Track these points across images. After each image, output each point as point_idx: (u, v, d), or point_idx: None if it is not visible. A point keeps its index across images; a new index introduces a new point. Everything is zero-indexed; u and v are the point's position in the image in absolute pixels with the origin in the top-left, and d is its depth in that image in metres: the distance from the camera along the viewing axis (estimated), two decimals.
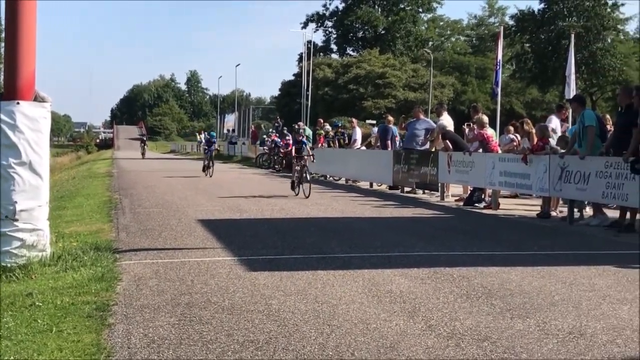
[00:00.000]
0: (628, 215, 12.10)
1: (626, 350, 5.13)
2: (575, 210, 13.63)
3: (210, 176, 26.75)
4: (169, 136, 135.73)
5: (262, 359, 4.81)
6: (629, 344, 5.28)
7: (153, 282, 7.30)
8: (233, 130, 63.87)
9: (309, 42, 52.00)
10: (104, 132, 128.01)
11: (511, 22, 64.24)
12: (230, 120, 71.81)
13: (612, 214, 13.03)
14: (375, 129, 26.37)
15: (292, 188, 18.66)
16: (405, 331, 5.57)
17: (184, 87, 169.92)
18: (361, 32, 74.10)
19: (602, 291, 7.12)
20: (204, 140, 39.50)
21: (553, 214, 14.35)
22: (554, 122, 16.74)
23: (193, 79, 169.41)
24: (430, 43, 79.94)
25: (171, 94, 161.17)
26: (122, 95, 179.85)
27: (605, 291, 7.12)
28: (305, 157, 18.78)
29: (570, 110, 17.20)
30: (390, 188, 21.63)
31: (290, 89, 63.50)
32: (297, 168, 18.77)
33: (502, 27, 32.89)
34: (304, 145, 19.25)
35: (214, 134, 32.05)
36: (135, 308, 6.22)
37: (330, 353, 4.97)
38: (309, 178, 18.46)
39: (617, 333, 5.58)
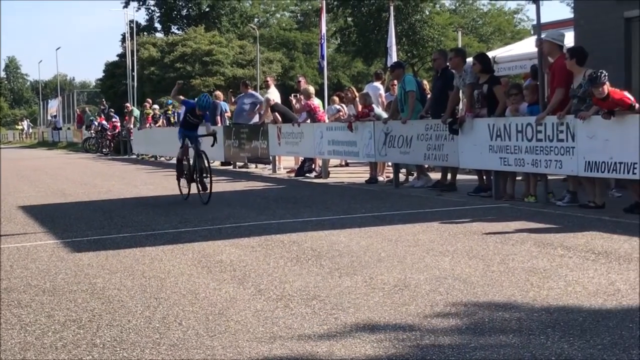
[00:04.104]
0: (449, 176, 12.61)
1: (448, 298, 5.31)
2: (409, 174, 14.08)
3: (205, 203, 11.44)
4: None
5: (84, 337, 4.61)
6: (450, 292, 5.47)
7: None
8: (55, 116, 61.38)
9: (132, 21, 50.59)
10: None
11: None
12: (54, 106, 68.93)
13: (435, 176, 13.54)
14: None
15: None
16: (234, 297, 5.52)
17: (2, 74, 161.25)
18: (185, 10, 72.78)
19: (426, 245, 7.37)
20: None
21: (380, 178, 14.75)
22: (372, 88, 17.08)
23: (11, 65, 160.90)
24: (256, 19, 79.78)
25: None
26: None
27: (429, 245, 7.37)
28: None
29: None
30: (223, 164, 21.51)
31: (115, 70, 61.57)
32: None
33: (324, 2, 33.22)
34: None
35: (207, 98, 12.25)
36: None
37: (157, 325, 4.84)
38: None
39: (439, 282, 5.77)
